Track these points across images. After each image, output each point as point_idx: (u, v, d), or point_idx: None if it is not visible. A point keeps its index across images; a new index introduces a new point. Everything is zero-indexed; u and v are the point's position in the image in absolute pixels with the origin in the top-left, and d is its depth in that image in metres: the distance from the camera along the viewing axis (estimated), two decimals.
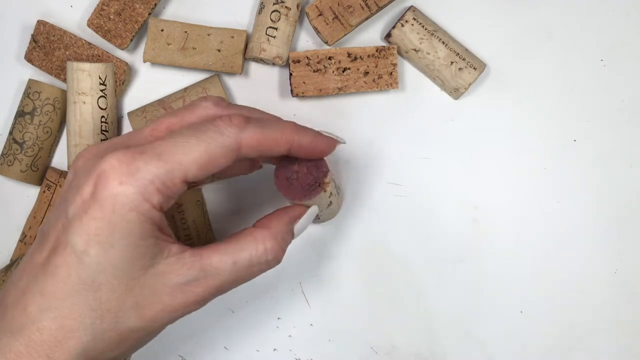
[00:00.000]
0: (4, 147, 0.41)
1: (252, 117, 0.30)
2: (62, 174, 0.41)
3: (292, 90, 0.40)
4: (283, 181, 0.34)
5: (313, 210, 0.35)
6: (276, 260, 0.32)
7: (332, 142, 0.33)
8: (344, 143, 0.34)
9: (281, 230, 0.32)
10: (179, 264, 0.29)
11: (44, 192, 0.41)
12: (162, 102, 0.41)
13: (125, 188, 0.26)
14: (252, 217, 0.42)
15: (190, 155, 0.28)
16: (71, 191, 0.28)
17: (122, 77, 0.41)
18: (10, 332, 0.27)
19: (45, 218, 0.31)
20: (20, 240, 0.41)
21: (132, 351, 0.30)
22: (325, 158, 0.34)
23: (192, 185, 0.41)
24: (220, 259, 0.30)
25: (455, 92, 0.41)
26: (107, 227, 0.26)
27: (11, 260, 0.42)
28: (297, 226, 0.33)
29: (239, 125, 0.29)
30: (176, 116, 0.31)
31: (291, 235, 0.33)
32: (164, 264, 0.29)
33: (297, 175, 0.34)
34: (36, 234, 0.32)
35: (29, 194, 0.42)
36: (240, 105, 0.33)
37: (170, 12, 0.42)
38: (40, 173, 0.41)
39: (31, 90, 0.40)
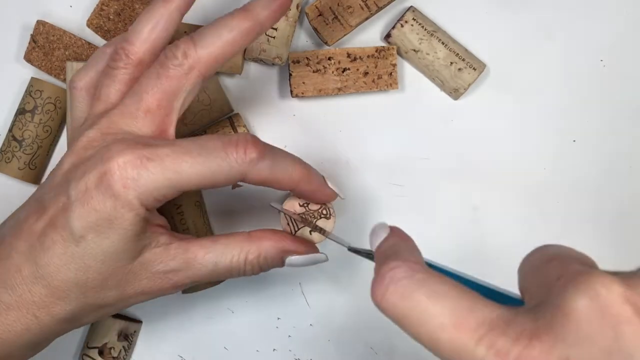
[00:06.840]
0: (3, 144, 0.41)
1: (268, 152, 0.30)
2: None
3: (291, 91, 0.40)
4: (285, 221, 0.35)
5: (318, 257, 0.34)
6: (252, 273, 0.33)
7: (332, 196, 0.34)
8: (343, 199, 0.35)
9: (269, 253, 0.33)
10: (164, 255, 0.31)
11: None
12: None
13: (128, 192, 0.29)
14: (252, 217, 0.42)
15: (193, 176, 0.29)
16: (76, 174, 0.30)
17: None
18: (3, 285, 0.30)
19: (42, 186, 0.32)
20: None
21: (108, 315, 0.34)
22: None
23: None
24: (204, 257, 0.32)
25: (455, 93, 0.41)
26: (106, 220, 0.29)
27: None
28: (292, 260, 0.34)
29: (251, 162, 0.30)
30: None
31: (280, 263, 0.33)
32: (150, 253, 0.31)
33: (301, 218, 0.35)
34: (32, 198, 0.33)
35: (27, 192, 0.42)
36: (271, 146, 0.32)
37: None
38: (38, 171, 0.41)
39: (33, 88, 0.40)
